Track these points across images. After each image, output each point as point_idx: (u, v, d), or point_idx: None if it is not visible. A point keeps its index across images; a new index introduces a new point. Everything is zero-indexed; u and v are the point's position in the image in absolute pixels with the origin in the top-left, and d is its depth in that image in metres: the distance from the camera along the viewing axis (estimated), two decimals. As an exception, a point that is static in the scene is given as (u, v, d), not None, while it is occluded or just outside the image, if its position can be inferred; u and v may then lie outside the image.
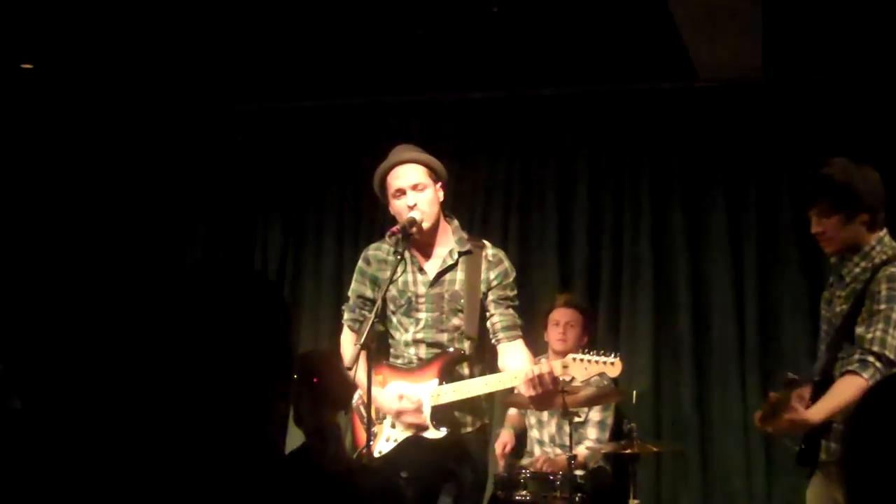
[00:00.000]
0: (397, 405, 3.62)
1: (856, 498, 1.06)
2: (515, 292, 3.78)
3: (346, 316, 3.89)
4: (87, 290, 5.82)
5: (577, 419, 4.73)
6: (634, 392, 4.84)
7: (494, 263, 3.72)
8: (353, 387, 3.28)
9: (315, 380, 2.34)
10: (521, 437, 5.22)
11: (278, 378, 1.39)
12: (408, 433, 3.65)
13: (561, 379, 3.58)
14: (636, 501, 4.44)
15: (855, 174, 3.28)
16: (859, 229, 3.28)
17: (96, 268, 6.20)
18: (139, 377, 1.31)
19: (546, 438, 5.05)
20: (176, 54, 5.59)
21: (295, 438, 4.45)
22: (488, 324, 3.70)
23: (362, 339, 3.38)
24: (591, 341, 5.22)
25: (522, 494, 4.49)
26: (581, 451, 4.78)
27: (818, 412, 3.16)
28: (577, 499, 4.39)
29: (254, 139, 6.39)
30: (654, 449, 4.88)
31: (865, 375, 3.12)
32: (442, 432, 3.58)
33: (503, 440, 5.10)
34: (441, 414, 3.61)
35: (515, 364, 3.63)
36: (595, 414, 4.98)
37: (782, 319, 5.53)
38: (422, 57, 5.54)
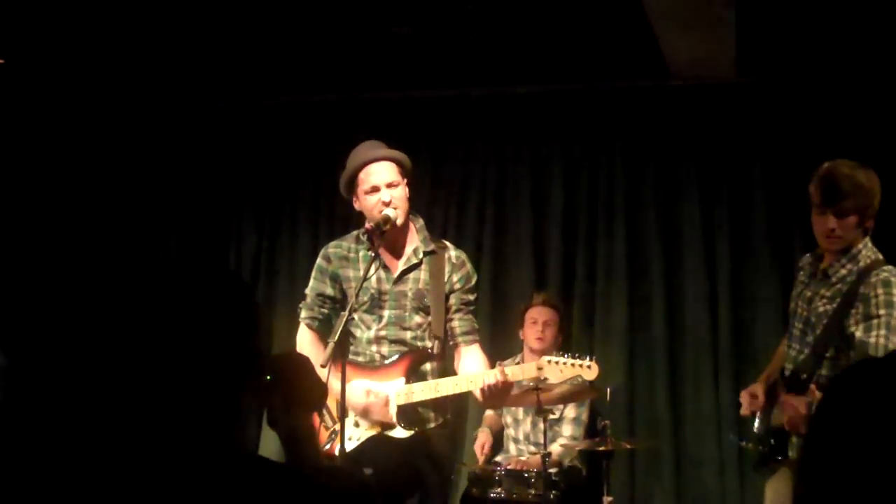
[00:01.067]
0: (364, 401, 3.61)
1: (811, 492, 1.06)
2: (475, 296, 3.85)
3: (303, 314, 3.88)
4: (57, 286, 5.78)
5: (552, 416, 4.75)
6: (608, 389, 4.85)
7: (458, 266, 3.76)
8: (325, 387, 3.27)
9: (288, 382, 2.33)
10: (498, 436, 5.23)
11: (247, 377, 1.39)
12: (371, 432, 3.65)
13: (538, 378, 3.62)
14: (610, 499, 4.46)
15: (874, 179, 3.34)
16: (858, 232, 3.34)
17: (67, 264, 6.15)
18: (109, 374, 1.30)
19: (521, 436, 5.07)
20: (149, 51, 5.55)
21: (270, 441, 4.44)
22: (448, 326, 3.74)
23: (336, 336, 3.38)
24: (564, 339, 5.26)
25: (497, 492, 4.51)
26: (555, 448, 4.79)
27: None
28: (551, 496, 4.41)
29: (227, 136, 6.36)
30: (628, 446, 4.90)
31: None
32: (408, 432, 3.59)
33: (481, 441, 5.12)
34: (405, 412, 3.61)
35: (471, 369, 3.71)
36: (570, 411, 5.00)
37: (755, 317, 5.56)
38: (397, 54, 5.53)
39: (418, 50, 5.48)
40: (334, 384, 3.33)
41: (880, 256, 3.37)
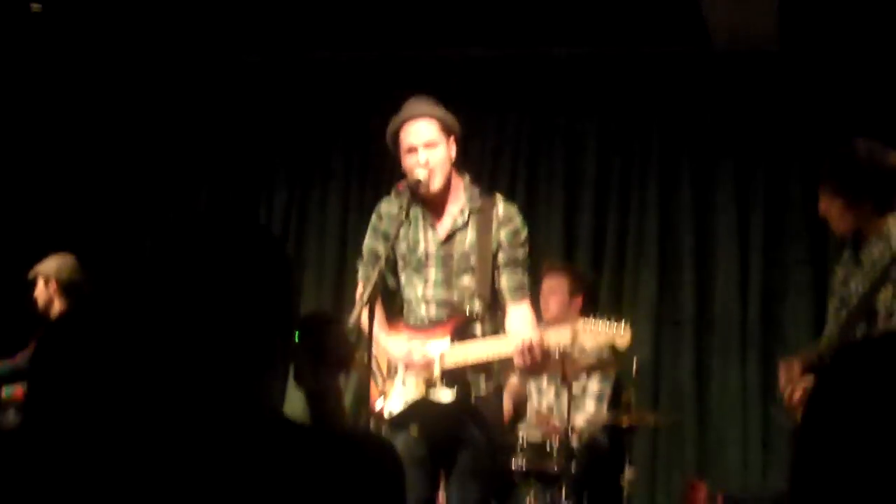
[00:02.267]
0: (406, 348, 3.55)
1: (805, 474, 1.01)
2: (525, 250, 3.67)
3: (360, 272, 3.80)
4: (87, 244, 5.80)
5: (574, 391, 4.71)
6: (635, 360, 4.77)
7: (505, 221, 3.63)
8: (352, 348, 3.25)
9: (315, 341, 2.31)
10: (520, 407, 5.20)
11: (280, 336, 1.36)
12: (416, 394, 3.60)
13: (564, 348, 3.53)
14: (631, 470, 4.43)
15: (870, 159, 3.23)
16: (866, 214, 3.24)
17: (97, 223, 6.18)
18: (138, 329, 1.28)
19: (545, 407, 5.04)
20: (180, 2, 5.51)
21: (294, 398, 4.44)
22: (497, 285, 3.63)
23: (367, 295, 3.33)
24: (589, 302, 5.11)
25: (518, 463, 4.50)
26: (578, 421, 4.76)
27: None
28: (571, 469, 4.38)
29: (259, 91, 6.33)
30: (651, 420, 4.86)
31: None
32: (450, 394, 3.51)
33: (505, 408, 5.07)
34: (454, 376, 3.54)
35: (516, 327, 3.57)
36: (593, 385, 4.94)
37: (786, 295, 5.51)
38: (433, 13, 5.46)
39: (455, 9, 5.40)
40: (385, 341, 3.28)
41: None
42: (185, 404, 1.26)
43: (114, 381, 1.26)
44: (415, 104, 3.66)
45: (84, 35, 5.99)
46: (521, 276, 3.64)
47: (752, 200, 5.63)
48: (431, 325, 3.60)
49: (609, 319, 3.51)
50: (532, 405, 5.12)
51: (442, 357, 3.53)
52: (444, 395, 3.52)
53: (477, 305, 3.59)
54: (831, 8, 5.13)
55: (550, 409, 5.00)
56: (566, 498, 4.26)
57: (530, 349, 3.37)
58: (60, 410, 1.27)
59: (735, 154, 5.68)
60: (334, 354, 2.41)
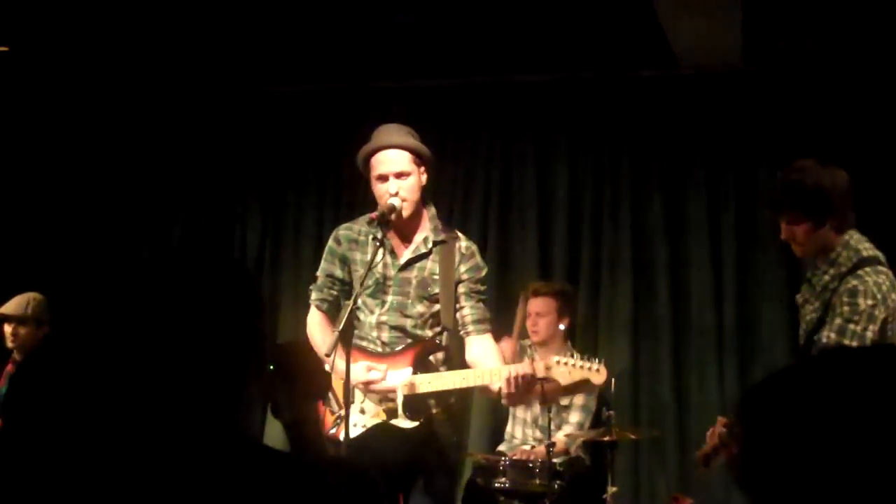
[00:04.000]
0: (365, 376, 3.57)
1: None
2: (485, 287, 3.76)
3: (313, 296, 3.83)
4: (59, 274, 5.79)
5: (562, 402, 4.74)
6: (613, 379, 4.82)
7: (467, 257, 3.70)
8: (329, 376, 3.26)
9: (291, 370, 2.33)
10: (502, 420, 5.23)
11: (251, 366, 1.38)
12: (376, 420, 3.63)
13: (541, 379, 3.56)
14: (614, 489, 4.45)
15: (825, 178, 3.21)
16: (828, 234, 3.21)
17: (70, 252, 6.17)
18: (111, 362, 1.29)
19: (529, 419, 5.06)
20: (156, 39, 5.54)
21: (274, 430, 4.43)
22: (458, 315, 3.67)
23: (341, 326, 3.35)
24: (572, 323, 5.21)
25: (501, 482, 4.51)
26: (560, 438, 4.79)
27: None
28: (555, 486, 4.41)
29: (232, 124, 6.36)
30: (632, 436, 4.89)
31: None
32: (413, 423, 3.56)
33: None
34: (410, 402, 3.58)
35: (484, 358, 3.61)
36: (579, 398, 4.98)
37: (760, 305, 5.56)
38: (404, 43, 5.52)
39: (425, 39, 5.46)
40: (340, 366, 3.31)
41: (865, 254, 3.20)
42: (160, 437, 1.27)
43: (87, 414, 1.28)
44: (386, 132, 3.70)
45: (56, 73, 6.00)
46: (484, 309, 3.71)
47: (722, 213, 5.69)
48: (391, 353, 3.64)
49: (585, 356, 3.55)
50: (517, 418, 5.14)
51: (407, 387, 3.56)
52: (406, 423, 3.56)
53: (430, 332, 3.63)
54: (794, 26, 5.22)
55: (535, 421, 5.02)
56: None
57: (518, 381, 3.42)
58: (36, 444, 1.29)
59: (705, 168, 5.75)
60: (311, 383, 2.43)
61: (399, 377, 3.58)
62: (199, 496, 1.25)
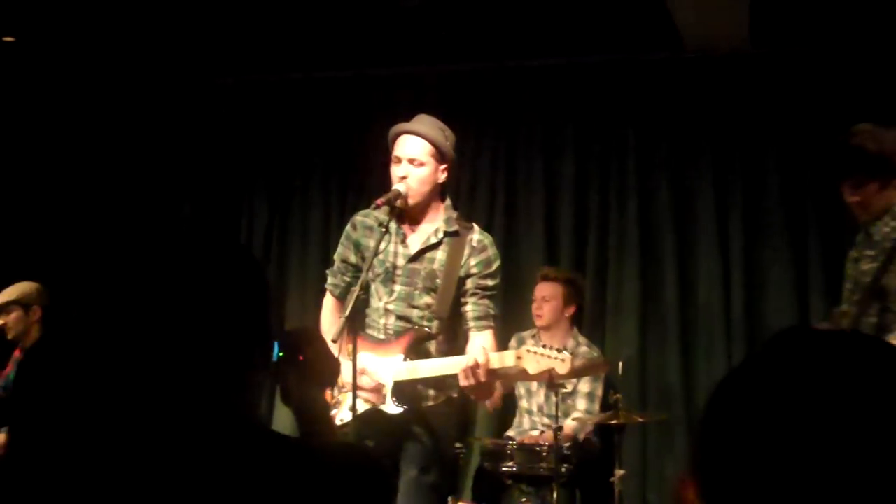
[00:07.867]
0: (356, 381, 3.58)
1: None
2: (496, 282, 3.72)
3: (329, 280, 3.88)
4: (66, 261, 5.81)
5: (564, 390, 4.75)
6: (620, 363, 4.86)
7: (478, 250, 3.68)
8: (338, 362, 3.27)
9: (300, 357, 2.34)
10: (510, 408, 5.24)
11: (257, 352, 1.39)
12: (367, 405, 3.63)
13: (515, 368, 3.57)
14: (622, 472, 4.46)
15: (884, 139, 3.29)
16: (893, 192, 3.31)
17: (77, 240, 6.19)
18: (116, 347, 1.30)
19: (535, 408, 5.08)
20: (158, 26, 5.54)
21: (283, 416, 4.45)
22: (462, 310, 3.67)
23: (347, 311, 3.36)
24: (579, 310, 5.23)
25: (509, 466, 4.53)
26: (568, 423, 4.80)
27: None
28: (563, 470, 4.42)
29: (239, 112, 6.36)
30: (640, 419, 4.91)
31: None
32: (399, 409, 3.56)
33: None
34: (401, 389, 3.59)
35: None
36: (584, 385, 5.00)
37: (768, 289, 5.55)
38: (408, 29, 5.50)
39: (430, 25, 5.44)
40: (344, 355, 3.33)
41: None
42: (165, 420, 1.27)
43: (94, 399, 1.28)
44: (419, 120, 3.75)
45: (66, 58, 6.00)
46: (488, 306, 3.69)
47: (730, 197, 5.68)
48: (386, 340, 3.65)
49: (553, 347, 3.56)
50: (522, 406, 5.15)
51: (394, 374, 3.57)
52: (392, 409, 3.58)
53: (435, 325, 3.64)
54: (802, 8, 5.19)
55: (540, 409, 5.04)
56: (558, 499, 4.30)
57: (474, 370, 3.41)
58: (44, 432, 1.29)
59: (712, 153, 5.73)
60: (319, 369, 2.43)
61: (391, 363, 3.60)
62: (207, 480, 1.25)
